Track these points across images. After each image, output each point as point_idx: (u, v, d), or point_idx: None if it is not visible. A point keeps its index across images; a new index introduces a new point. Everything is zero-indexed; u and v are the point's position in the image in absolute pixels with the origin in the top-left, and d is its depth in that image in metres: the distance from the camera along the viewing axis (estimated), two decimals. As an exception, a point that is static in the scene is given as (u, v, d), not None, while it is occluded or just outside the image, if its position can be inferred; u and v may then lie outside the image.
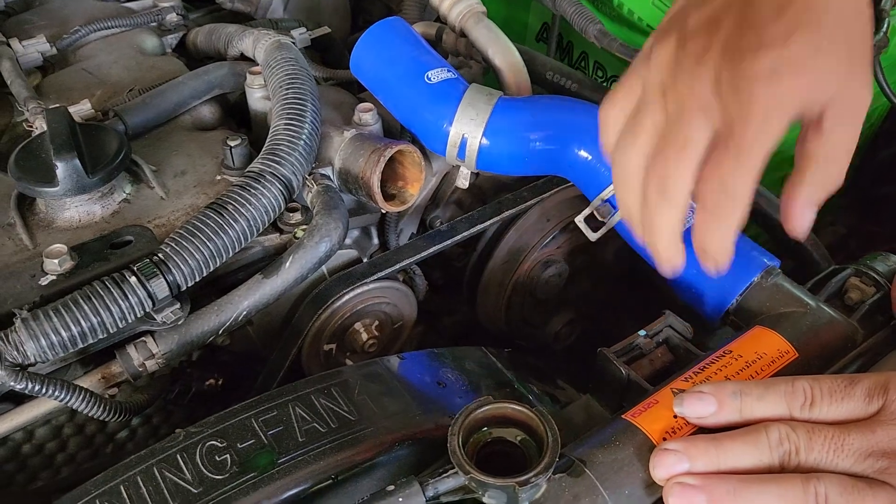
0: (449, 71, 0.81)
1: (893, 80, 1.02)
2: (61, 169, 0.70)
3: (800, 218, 0.55)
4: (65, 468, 0.77)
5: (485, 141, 0.78)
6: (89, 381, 0.68)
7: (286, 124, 0.77)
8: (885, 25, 0.93)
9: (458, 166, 0.83)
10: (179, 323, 0.69)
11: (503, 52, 0.88)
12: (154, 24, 1.05)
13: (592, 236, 0.80)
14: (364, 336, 0.82)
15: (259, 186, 0.72)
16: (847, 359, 0.67)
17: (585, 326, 1.00)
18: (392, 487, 0.53)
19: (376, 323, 0.83)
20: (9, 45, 0.96)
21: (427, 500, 0.54)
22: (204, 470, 0.55)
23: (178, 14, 1.06)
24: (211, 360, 0.80)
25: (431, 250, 0.81)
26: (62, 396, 0.63)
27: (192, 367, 0.78)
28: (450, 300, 1.00)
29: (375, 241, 0.92)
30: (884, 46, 0.94)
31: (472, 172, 0.83)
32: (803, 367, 0.65)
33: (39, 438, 0.73)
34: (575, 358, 1.00)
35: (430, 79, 0.79)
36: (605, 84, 1.11)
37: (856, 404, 0.55)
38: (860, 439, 0.53)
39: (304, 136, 0.76)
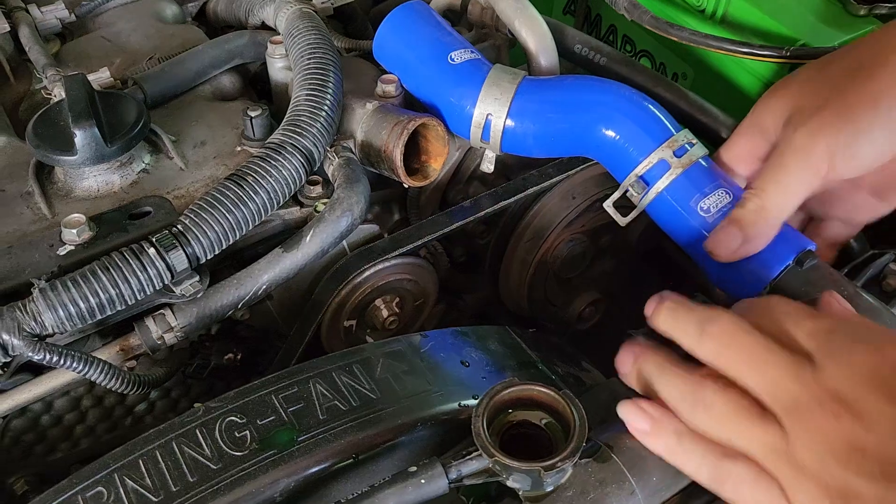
0: (472, 52, 0.80)
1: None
2: (80, 137, 0.69)
3: None
4: (84, 440, 0.76)
5: (510, 122, 0.76)
6: (108, 353, 0.67)
7: (308, 95, 0.75)
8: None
9: (483, 150, 0.81)
10: (198, 296, 0.68)
11: (530, 24, 0.85)
12: (174, -9, 1.03)
13: (622, 221, 0.78)
14: (385, 313, 0.81)
15: (280, 158, 0.70)
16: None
17: (608, 307, 0.98)
18: (415, 468, 0.52)
19: (397, 299, 0.82)
20: (27, 11, 0.94)
21: (450, 483, 0.53)
22: (223, 446, 0.54)
23: (197, -19, 1.04)
24: (230, 335, 0.79)
25: (455, 226, 0.80)
26: (80, 368, 0.62)
27: (212, 341, 0.77)
28: (471, 278, 0.98)
29: (396, 216, 0.90)
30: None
31: (496, 155, 0.81)
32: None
33: (58, 410, 0.73)
34: (597, 340, 0.98)
35: (453, 59, 0.79)
36: (633, 58, 1.08)
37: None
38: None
39: (325, 108, 0.74)
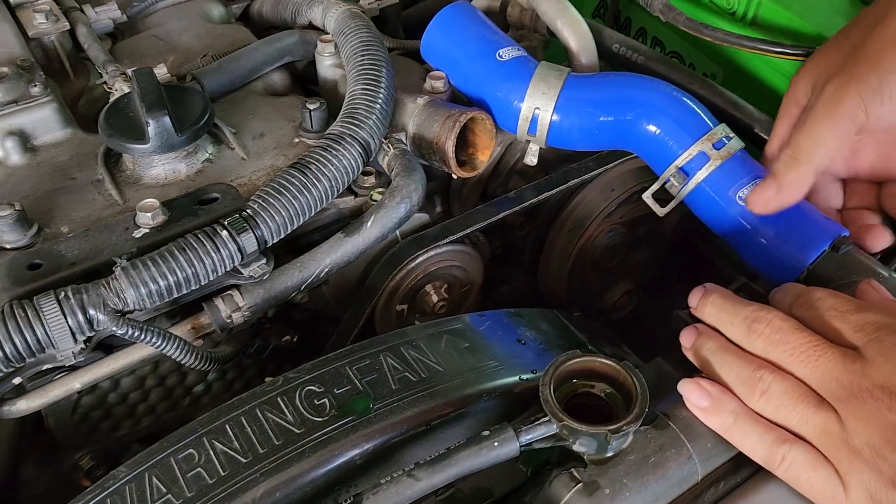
0: (518, 49, 0.84)
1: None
2: (153, 126, 0.72)
3: None
4: (145, 418, 0.79)
5: (556, 116, 0.80)
6: (179, 331, 0.70)
7: (363, 89, 0.78)
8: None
9: (527, 142, 0.84)
10: (265, 278, 0.71)
11: (572, 24, 0.89)
12: (220, -7, 1.06)
13: (661, 211, 0.81)
14: (434, 298, 0.84)
15: (340, 148, 0.74)
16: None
17: (641, 298, 1.01)
18: (487, 433, 0.55)
19: (446, 286, 0.85)
20: (82, 11, 0.98)
21: (521, 446, 0.56)
22: (304, 412, 0.58)
23: (243, -17, 1.08)
24: (287, 317, 0.82)
25: (502, 215, 0.83)
26: (159, 343, 0.65)
27: (271, 324, 0.80)
28: (507, 269, 1.01)
29: (439, 208, 0.93)
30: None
31: (539, 148, 0.85)
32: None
33: (124, 388, 0.76)
34: (629, 328, 1.01)
35: (501, 56, 0.83)
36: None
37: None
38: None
39: (380, 101, 0.78)
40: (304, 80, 0.99)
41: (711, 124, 0.78)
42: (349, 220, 0.79)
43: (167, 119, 0.72)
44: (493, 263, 0.97)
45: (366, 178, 0.80)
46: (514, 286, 1.02)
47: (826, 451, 0.55)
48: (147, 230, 0.69)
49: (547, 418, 0.56)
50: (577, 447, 0.56)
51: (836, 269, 0.73)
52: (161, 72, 0.88)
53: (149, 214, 0.69)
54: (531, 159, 0.85)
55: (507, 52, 0.83)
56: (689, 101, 0.79)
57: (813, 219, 0.75)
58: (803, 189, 0.72)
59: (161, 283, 0.64)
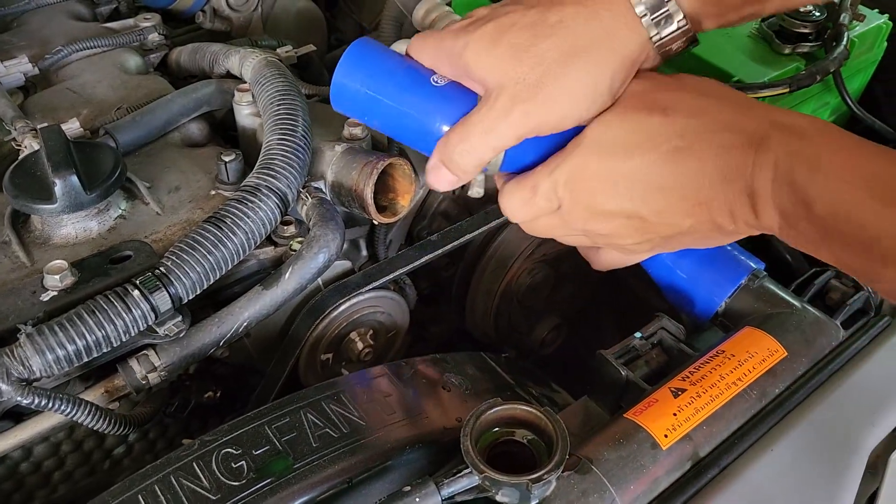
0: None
1: (851, 89, 1.07)
2: (59, 186, 0.70)
3: None
4: (62, 486, 0.76)
5: None
6: (92, 396, 0.68)
7: (280, 139, 0.78)
8: (845, 40, 0.99)
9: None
10: (181, 336, 0.69)
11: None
12: (136, 43, 1.05)
13: None
14: (360, 345, 0.83)
15: (256, 199, 0.73)
16: (831, 355, 0.70)
17: (570, 332, 1.02)
18: (409, 488, 0.55)
19: (371, 332, 0.84)
20: (-9, 65, 0.95)
21: (443, 500, 0.55)
22: (221, 477, 0.56)
23: (159, 33, 1.07)
24: (208, 373, 0.80)
25: (423, 259, 0.83)
26: (68, 410, 0.63)
27: (191, 380, 0.78)
28: (436, 310, 1.01)
29: (364, 252, 0.93)
30: (845, 58, 0.99)
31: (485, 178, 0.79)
32: (791, 365, 0.68)
33: (37, 456, 0.73)
34: (560, 363, 1.02)
35: (437, 82, 0.70)
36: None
37: None
38: None
39: (297, 150, 0.77)
40: (227, 127, 0.97)
41: None
42: (270, 271, 0.78)
43: (75, 178, 0.71)
44: (422, 305, 0.97)
45: (286, 227, 0.79)
46: (444, 327, 1.02)
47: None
48: (55, 293, 0.67)
49: (469, 470, 0.56)
50: (500, 498, 0.56)
51: (752, 301, 0.75)
52: (73, 126, 0.86)
53: (57, 276, 0.67)
54: (477, 191, 0.78)
55: (441, 78, 0.71)
56: None
57: (728, 253, 0.77)
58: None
59: (69, 348, 0.62)
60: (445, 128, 0.68)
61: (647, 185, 0.60)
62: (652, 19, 0.60)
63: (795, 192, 0.53)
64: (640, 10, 0.60)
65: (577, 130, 0.64)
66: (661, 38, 0.61)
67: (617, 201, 0.62)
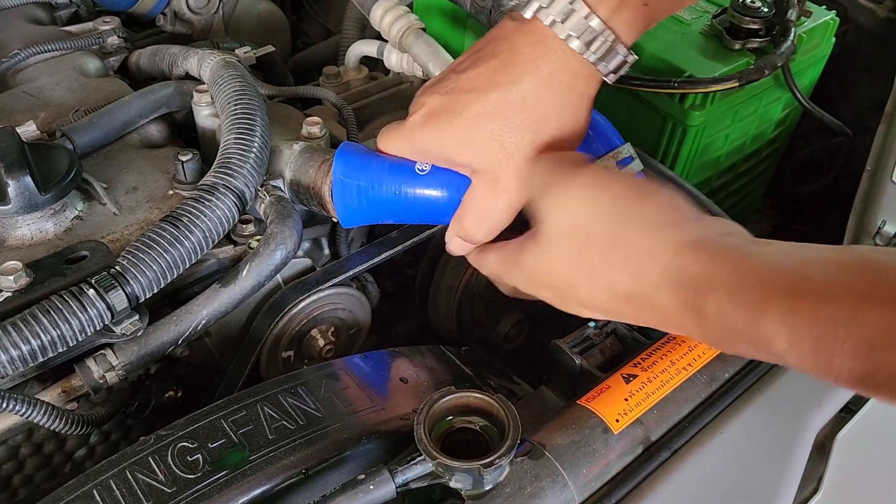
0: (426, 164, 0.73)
1: (802, 84, 1.10)
2: (13, 187, 0.70)
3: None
4: (22, 489, 0.76)
5: None
6: (49, 396, 0.68)
7: (237, 138, 0.78)
8: (792, 35, 1.01)
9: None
10: (139, 334, 0.70)
11: (443, 66, 0.91)
12: (95, 46, 1.05)
13: None
14: (321, 342, 0.84)
15: (213, 198, 0.73)
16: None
17: (533, 327, 1.03)
18: (363, 476, 0.55)
19: (332, 329, 0.85)
20: (-54, 70, 0.95)
21: (397, 487, 0.56)
22: (176, 470, 0.56)
23: (118, 36, 1.06)
24: (169, 373, 0.80)
25: (383, 256, 0.84)
26: (24, 411, 0.63)
27: (151, 380, 0.78)
28: (402, 307, 1.02)
29: (326, 251, 0.93)
30: (791, 53, 1.02)
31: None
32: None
33: (-4, 459, 0.73)
34: (524, 357, 1.03)
35: (423, 170, 0.71)
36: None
37: None
38: None
39: (254, 149, 0.78)
40: (188, 129, 0.98)
41: (619, 142, 0.78)
42: (229, 270, 0.78)
43: (28, 179, 0.71)
44: (387, 303, 0.98)
45: (245, 226, 0.80)
46: (411, 325, 1.03)
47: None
48: (10, 293, 0.67)
49: (422, 457, 0.56)
50: (453, 483, 0.57)
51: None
52: (30, 129, 0.86)
53: (11, 277, 0.67)
54: None
55: (423, 165, 0.71)
56: (597, 117, 0.79)
57: None
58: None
59: (24, 347, 0.62)
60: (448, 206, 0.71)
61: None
62: (599, 58, 0.62)
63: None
64: (591, 58, 0.61)
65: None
66: (611, 72, 0.64)
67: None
